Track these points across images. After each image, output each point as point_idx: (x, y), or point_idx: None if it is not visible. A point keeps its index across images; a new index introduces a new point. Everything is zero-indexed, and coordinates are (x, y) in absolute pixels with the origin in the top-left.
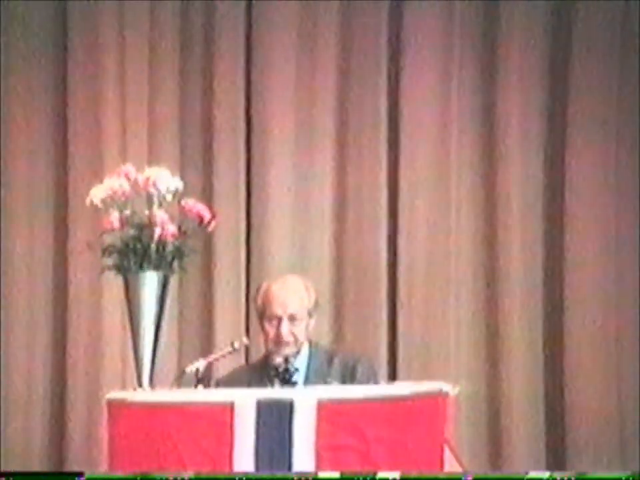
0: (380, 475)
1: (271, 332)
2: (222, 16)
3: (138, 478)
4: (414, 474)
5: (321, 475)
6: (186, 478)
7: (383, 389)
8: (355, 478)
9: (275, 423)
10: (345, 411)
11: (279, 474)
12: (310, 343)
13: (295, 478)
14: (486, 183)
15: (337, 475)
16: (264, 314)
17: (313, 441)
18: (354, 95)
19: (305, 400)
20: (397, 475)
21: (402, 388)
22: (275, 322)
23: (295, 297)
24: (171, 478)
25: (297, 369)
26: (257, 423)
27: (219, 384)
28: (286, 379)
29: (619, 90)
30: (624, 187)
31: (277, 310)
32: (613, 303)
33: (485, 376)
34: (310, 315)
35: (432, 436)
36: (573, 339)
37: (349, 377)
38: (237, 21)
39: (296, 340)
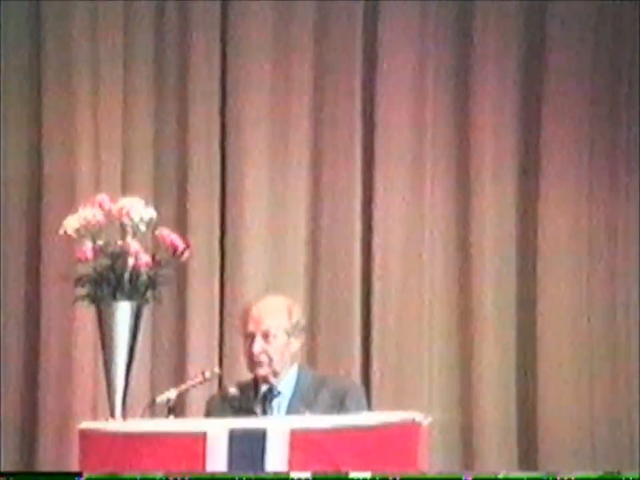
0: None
1: (246, 350)
2: (196, 31)
3: (137, 478)
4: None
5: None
6: (186, 478)
7: (356, 418)
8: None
9: (248, 452)
10: (318, 440)
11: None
12: (299, 367)
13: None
14: (460, 190)
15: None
16: (242, 332)
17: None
18: (328, 125)
19: (278, 429)
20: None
21: (375, 417)
22: (249, 339)
23: (270, 314)
24: (172, 478)
25: (279, 392)
26: (230, 452)
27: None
28: (266, 402)
29: (593, 89)
30: (597, 182)
31: (251, 326)
32: (585, 321)
33: (458, 398)
34: (289, 335)
35: (405, 465)
36: (546, 362)
37: (337, 406)
38: (212, 43)
39: (270, 360)
